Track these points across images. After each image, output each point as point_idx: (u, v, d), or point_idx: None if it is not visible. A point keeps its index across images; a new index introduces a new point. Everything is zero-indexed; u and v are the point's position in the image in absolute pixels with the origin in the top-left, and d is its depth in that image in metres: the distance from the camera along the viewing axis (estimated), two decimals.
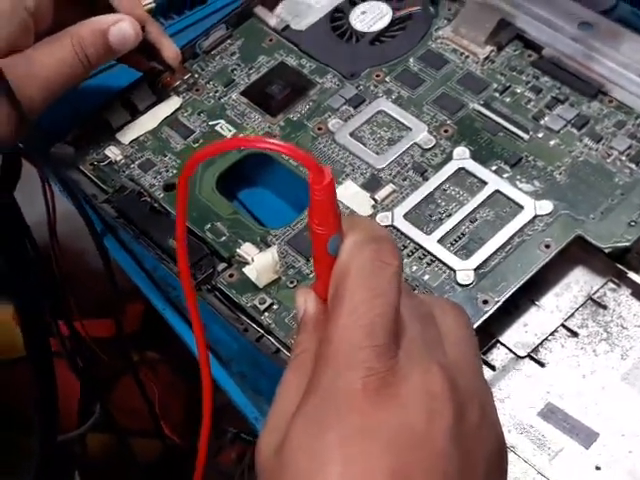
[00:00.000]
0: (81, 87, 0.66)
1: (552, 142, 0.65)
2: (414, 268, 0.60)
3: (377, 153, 0.66)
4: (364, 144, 0.67)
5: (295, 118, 0.69)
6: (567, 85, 0.67)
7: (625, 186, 0.62)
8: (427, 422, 0.37)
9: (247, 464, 0.96)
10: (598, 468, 0.54)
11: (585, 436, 0.55)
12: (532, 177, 0.63)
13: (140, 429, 0.98)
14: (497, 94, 0.68)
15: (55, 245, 0.72)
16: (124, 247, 0.69)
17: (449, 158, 0.65)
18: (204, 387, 0.46)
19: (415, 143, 0.66)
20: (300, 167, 0.65)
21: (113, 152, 0.69)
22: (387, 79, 0.70)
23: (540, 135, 0.65)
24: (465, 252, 0.60)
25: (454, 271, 0.60)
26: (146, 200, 0.66)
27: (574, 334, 0.59)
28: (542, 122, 0.66)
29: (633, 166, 0.63)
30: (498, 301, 0.58)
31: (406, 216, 0.62)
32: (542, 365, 0.58)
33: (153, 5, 0.70)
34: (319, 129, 0.68)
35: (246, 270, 0.61)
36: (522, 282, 0.58)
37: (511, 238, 0.60)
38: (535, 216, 0.61)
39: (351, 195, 0.64)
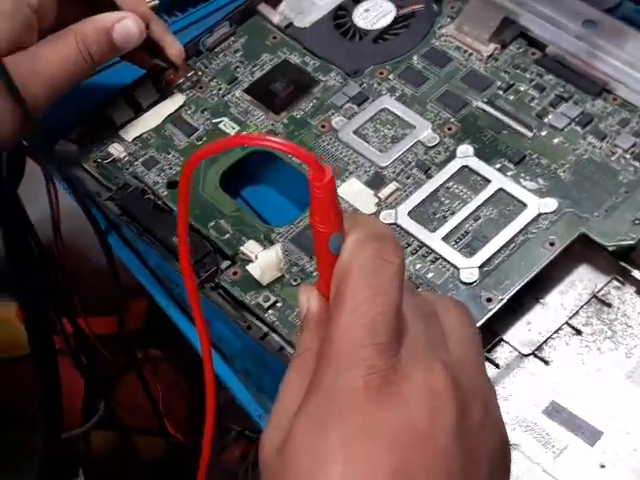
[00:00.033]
0: (84, 84, 0.66)
1: (556, 140, 0.65)
2: (418, 266, 0.60)
3: (381, 151, 0.66)
4: (368, 142, 0.67)
5: (298, 116, 0.69)
6: (571, 83, 0.67)
7: (629, 184, 0.62)
8: (429, 420, 0.37)
9: (251, 462, 0.96)
10: (603, 466, 0.54)
11: (590, 434, 0.55)
12: (536, 175, 0.63)
13: (144, 427, 0.98)
14: (501, 92, 0.68)
15: (59, 243, 0.72)
16: (128, 245, 0.69)
17: (453, 156, 0.65)
18: (207, 385, 0.46)
19: (419, 141, 0.66)
20: (304, 165, 0.65)
21: (116, 149, 0.69)
22: (390, 77, 0.70)
23: (544, 133, 0.65)
24: (469, 250, 0.60)
25: (458, 269, 0.59)
26: (150, 198, 0.66)
27: (578, 332, 0.59)
28: (546, 120, 0.66)
29: (637, 164, 0.63)
30: (502, 299, 0.58)
31: (410, 214, 0.62)
32: (546, 363, 0.58)
33: (157, 2, 0.71)
34: (322, 127, 0.68)
35: (250, 268, 0.61)
36: (526, 280, 0.58)
37: (515, 236, 0.60)
38: (539, 214, 0.61)
39: (355, 193, 0.64)
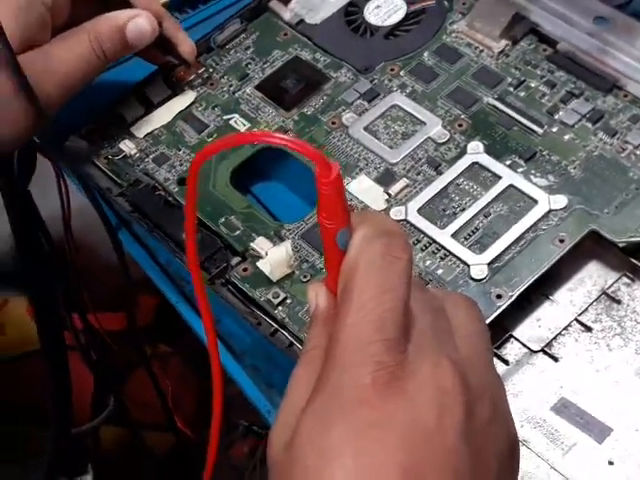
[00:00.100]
0: (95, 81, 0.66)
1: (567, 136, 0.65)
2: (428, 263, 0.60)
3: (391, 147, 0.66)
4: (378, 138, 0.67)
5: (309, 112, 0.69)
6: (582, 79, 0.67)
7: None
8: (437, 418, 0.37)
9: (259, 458, 0.96)
10: (611, 463, 0.54)
11: (598, 431, 0.55)
12: (546, 171, 0.63)
13: (153, 422, 0.98)
14: (511, 88, 0.68)
15: (69, 239, 0.72)
16: (138, 241, 0.69)
17: (463, 152, 0.65)
18: (214, 382, 0.46)
19: (429, 137, 0.66)
20: None
21: (127, 146, 0.69)
22: (401, 73, 0.70)
23: (555, 129, 0.65)
24: (479, 247, 0.60)
25: (468, 266, 0.59)
26: (160, 194, 0.66)
27: (588, 329, 0.59)
28: (557, 116, 0.66)
29: None
30: (512, 296, 0.58)
31: (420, 210, 0.62)
32: (556, 360, 0.58)
33: None
34: (333, 123, 0.68)
35: (260, 264, 0.61)
36: (536, 277, 0.58)
37: (525, 233, 0.60)
38: (549, 210, 0.61)
39: (365, 189, 0.64)
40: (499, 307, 0.57)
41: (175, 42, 0.69)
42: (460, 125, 0.66)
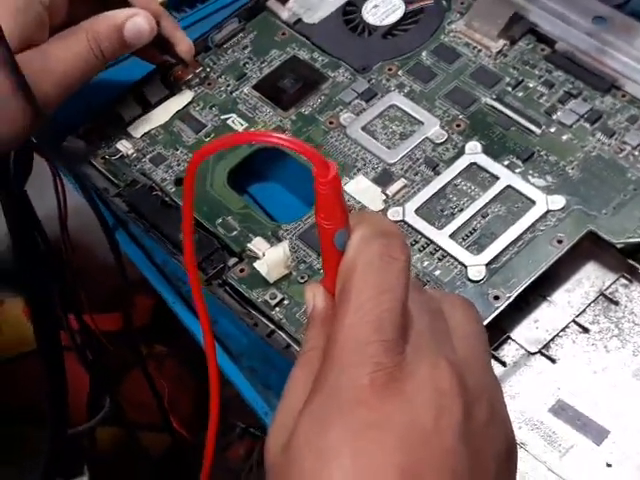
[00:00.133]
0: (93, 80, 0.66)
1: (565, 137, 0.65)
2: (425, 263, 0.60)
3: (389, 147, 0.66)
4: (376, 138, 0.67)
5: (307, 112, 0.69)
6: (580, 79, 0.67)
7: (638, 181, 0.62)
8: (435, 419, 0.36)
9: (256, 460, 0.96)
10: (609, 465, 0.54)
11: (596, 433, 0.55)
12: (544, 172, 0.63)
13: (149, 423, 0.98)
14: (510, 88, 0.67)
15: (66, 239, 0.72)
16: (135, 241, 0.69)
17: (461, 153, 0.65)
18: (211, 384, 0.46)
19: (427, 137, 0.66)
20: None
21: (125, 146, 0.69)
22: (399, 73, 0.70)
23: (552, 130, 0.65)
24: (477, 247, 0.60)
25: (465, 266, 0.59)
26: (157, 194, 0.66)
27: (585, 330, 0.58)
28: (555, 117, 0.66)
29: None
30: (509, 297, 0.58)
31: (417, 211, 0.62)
32: (553, 361, 0.58)
33: None
34: (331, 123, 0.68)
35: (257, 265, 0.61)
36: (534, 278, 0.58)
37: (523, 233, 0.60)
38: (547, 211, 0.61)
39: (362, 190, 0.64)
40: (497, 308, 0.57)
41: (173, 41, 0.69)
42: (458, 125, 0.66)
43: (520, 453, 0.47)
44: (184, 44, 0.70)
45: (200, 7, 0.81)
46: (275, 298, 0.60)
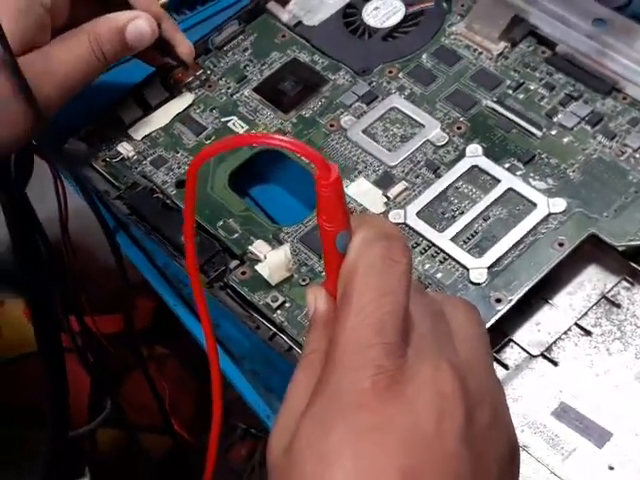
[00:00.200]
0: (94, 82, 0.66)
1: (566, 139, 0.65)
2: (427, 266, 0.60)
3: (390, 150, 0.66)
4: (377, 141, 0.67)
5: (307, 115, 0.69)
6: (581, 82, 0.67)
7: (639, 184, 0.61)
8: (437, 422, 0.36)
9: (257, 461, 0.96)
10: (611, 468, 0.53)
11: (598, 436, 0.55)
12: (545, 175, 0.63)
13: (150, 425, 0.98)
14: (510, 91, 0.68)
15: (67, 241, 0.72)
16: (136, 243, 0.69)
17: (462, 155, 0.65)
18: (214, 386, 0.46)
19: (428, 140, 0.66)
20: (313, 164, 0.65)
21: (125, 148, 0.69)
22: (400, 75, 0.70)
23: (554, 132, 0.65)
24: (478, 250, 0.60)
25: (467, 269, 0.59)
26: (158, 197, 0.66)
27: (587, 333, 0.58)
28: (555, 119, 0.66)
29: None
30: (511, 300, 0.58)
31: (419, 214, 0.62)
32: (555, 364, 0.58)
33: (166, 0, 0.70)
34: (331, 126, 0.68)
35: (258, 267, 0.61)
36: (535, 281, 0.58)
37: (524, 236, 0.60)
38: (548, 214, 0.61)
39: (363, 192, 0.64)
40: (498, 311, 0.57)
41: (174, 43, 0.69)
42: (459, 128, 0.66)
43: (523, 456, 0.47)
44: (185, 46, 0.70)
45: (200, 9, 0.81)
46: (277, 301, 0.60)
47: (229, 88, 0.72)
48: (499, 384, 0.42)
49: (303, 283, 0.61)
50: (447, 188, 0.63)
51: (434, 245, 0.61)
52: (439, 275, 0.60)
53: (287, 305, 0.60)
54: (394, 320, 0.37)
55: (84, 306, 0.77)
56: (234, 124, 0.70)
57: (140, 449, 0.92)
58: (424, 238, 0.61)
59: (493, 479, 0.38)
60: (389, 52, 0.71)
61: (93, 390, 0.87)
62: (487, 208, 0.62)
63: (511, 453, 0.40)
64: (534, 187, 0.62)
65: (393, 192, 0.63)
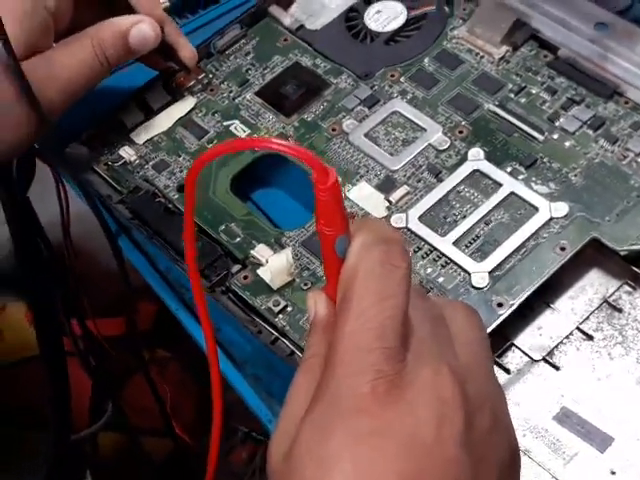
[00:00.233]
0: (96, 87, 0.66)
1: (567, 143, 0.65)
2: (429, 270, 0.60)
3: (391, 154, 0.66)
4: (378, 145, 0.67)
5: (309, 118, 0.69)
6: (583, 86, 0.67)
7: None
8: (437, 428, 0.36)
9: (258, 464, 0.96)
10: (613, 473, 0.53)
11: (600, 440, 0.54)
12: (547, 179, 0.63)
13: (151, 428, 0.98)
14: (512, 95, 0.67)
15: (69, 245, 0.72)
16: (138, 247, 0.69)
17: (464, 159, 0.65)
18: (214, 391, 0.46)
19: (430, 144, 0.66)
20: None
21: (127, 152, 0.69)
22: (402, 79, 0.70)
23: (555, 136, 0.65)
24: (480, 254, 0.60)
25: (469, 274, 0.59)
26: (160, 201, 0.66)
27: (589, 337, 0.58)
28: (557, 123, 0.66)
29: None
30: (513, 304, 0.57)
31: (421, 218, 0.62)
32: (557, 369, 0.58)
33: (167, 4, 0.70)
34: (333, 130, 0.68)
35: (260, 272, 0.61)
36: (537, 285, 0.58)
37: (526, 240, 0.60)
38: (550, 218, 0.61)
39: (365, 196, 0.64)
40: (500, 315, 0.57)
41: (176, 47, 0.69)
42: (461, 132, 0.66)
43: (524, 461, 0.47)
44: (187, 50, 0.70)
45: (202, 13, 0.81)
46: (278, 305, 0.60)
47: (231, 92, 0.72)
48: (499, 388, 0.41)
49: (305, 287, 0.61)
50: (449, 192, 0.63)
51: (436, 249, 0.61)
52: (441, 279, 0.60)
53: (289, 309, 0.60)
54: (394, 325, 0.37)
55: (86, 310, 0.77)
56: (236, 128, 0.70)
57: (141, 452, 0.92)
58: (426, 242, 0.61)
59: None
60: (391, 56, 0.71)
61: (95, 393, 0.87)
62: (489, 212, 0.62)
63: (512, 458, 0.40)
64: (536, 191, 0.62)
65: (395, 196, 0.63)
